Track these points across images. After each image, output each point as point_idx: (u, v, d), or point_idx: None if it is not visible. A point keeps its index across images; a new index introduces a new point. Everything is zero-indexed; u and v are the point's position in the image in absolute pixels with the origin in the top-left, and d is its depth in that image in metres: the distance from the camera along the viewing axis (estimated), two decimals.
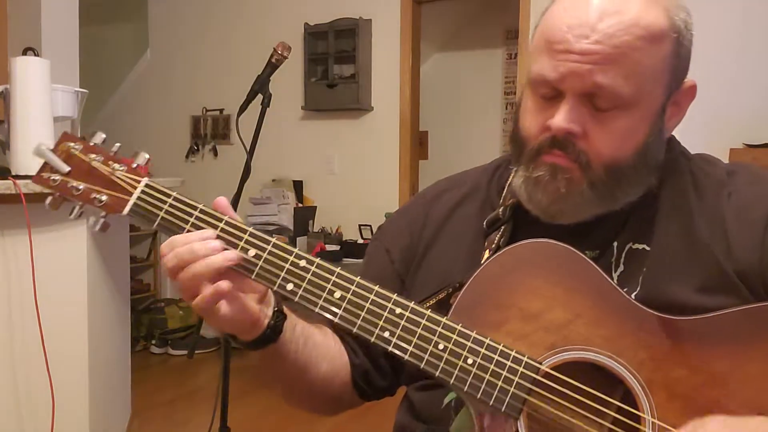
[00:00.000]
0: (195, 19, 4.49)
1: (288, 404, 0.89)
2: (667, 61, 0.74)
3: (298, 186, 4.09)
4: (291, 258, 0.71)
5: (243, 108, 1.93)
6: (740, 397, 0.67)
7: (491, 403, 0.68)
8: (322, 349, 0.84)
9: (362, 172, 3.99)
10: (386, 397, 0.96)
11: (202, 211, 0.72)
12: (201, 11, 4.46)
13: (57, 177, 0.73)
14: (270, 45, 1.99)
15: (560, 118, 0.73)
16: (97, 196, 0.72)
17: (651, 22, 0.72)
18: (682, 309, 0.71)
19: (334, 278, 0.70)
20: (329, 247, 3.65)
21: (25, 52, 2.04)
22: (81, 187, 0.73)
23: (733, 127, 2.85)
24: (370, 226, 3.68)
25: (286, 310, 0.77)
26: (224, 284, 0.67)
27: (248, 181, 1.95)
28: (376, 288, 0.71)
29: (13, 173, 1.91)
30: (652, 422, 0.67)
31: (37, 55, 2.05)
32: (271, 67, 1.96)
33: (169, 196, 0.72)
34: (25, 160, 1.94)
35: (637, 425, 0.68)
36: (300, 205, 4.03)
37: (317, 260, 0.71)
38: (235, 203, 1.98)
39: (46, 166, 0.74)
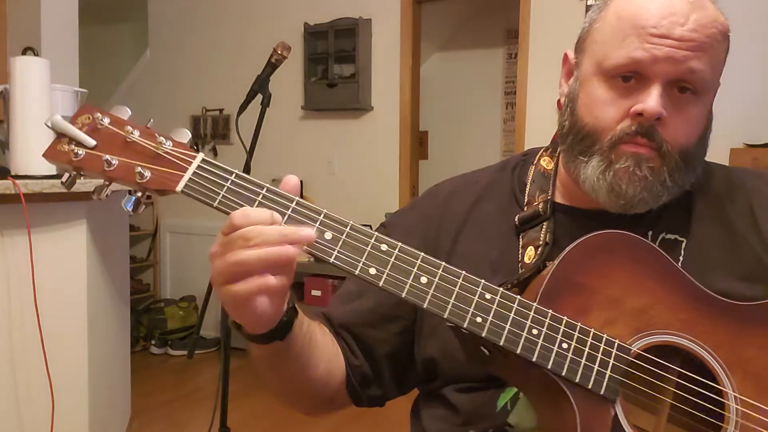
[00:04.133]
0: (195, 19, 4.48)
1: (281, 402, 0.86)
2: (725, 58, 0.80)
3: None
4: (371, 241, 0.66)
5: (243, 108, 1.93)
6: None
7: (590, 386, 0.68)
8: (320, 350, 0.81)
9: (362, 172, 3.99)
10: (375, 407, 0.92)
11: (269, 190, 0.66)
12: (201, 11, 4.46)
13: (81, 151, 0.65)
14: (270, 45, 1.99)
15: (654, 103, 0.73)
16: (141, 171, 0.65)
17: (723, 20, 0.77)
18: (725, 296, 0.74)
19: (419, 262, 0.67)
20: None
21: (24, 52, 2.04)
22: (115, 161, 0.65)
23: (733, 127, 2.85)
24: (370, 226, 3.67)
25: (297, 306, 0.73)
26: (276, 280, 0.62)
27: None
28: (463, 273, 0.68)
29: (13, 173, 1.91)
30: (735, 396, 0.71)
31: (37, 55, 2.05)
32: (271, 66, 1.96)
33: (231, 173, 0.66)
34: (25, 160, 1.94)
35: (722, 399, 0.71)
36: None
37: (399, 244, 0.67)
38: None
39: (63, 139, 0.66)
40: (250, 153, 1.95)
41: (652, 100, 0.73)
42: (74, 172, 0.67)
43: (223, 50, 4.36)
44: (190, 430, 3.00)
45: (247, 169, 1.93)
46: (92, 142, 0.65)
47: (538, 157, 0.90)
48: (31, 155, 1.94)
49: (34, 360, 1.91)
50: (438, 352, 0.84)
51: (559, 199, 0.87)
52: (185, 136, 0.67)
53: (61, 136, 0.66)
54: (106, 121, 0.66)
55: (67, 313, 2.08)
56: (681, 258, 0.80)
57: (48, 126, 0.65)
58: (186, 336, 4.19)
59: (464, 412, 0.82)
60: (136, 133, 0.66)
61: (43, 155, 0.66)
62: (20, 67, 1.96)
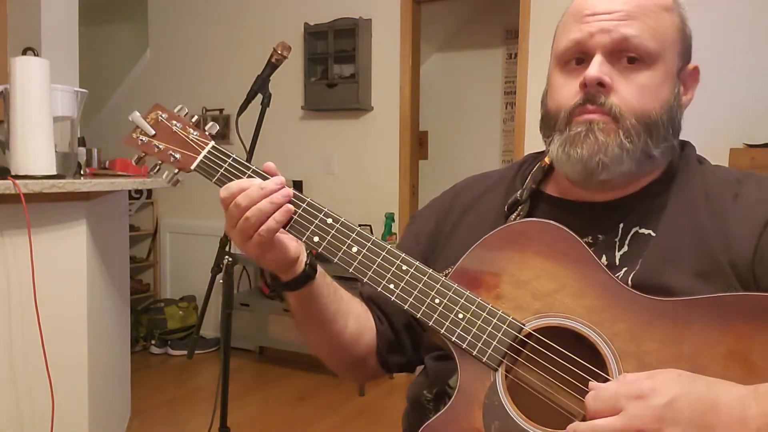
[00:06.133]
0: (195, 19, 4.49)
1: (318, 356, 0.98)
2: (678, 31, 0.84)
3: (297, 186, 4.09)
4: (320, 216, 0.83)
5: (243, 108, 1.93)
6: (705, 375, 0.70)
7: (474, 353, 0.77)
8: (349, 306, 0.95)
9: (362, 172, 3.99)
10: (405, 372, 1.03)
11: (254, 171, 0.85)
12: (201, 11, 4.46)
13: (144, 138, 0.88)
14: (270, 45, 1.99)
15: (592, 70, 0.80)
16: (173, 153, 0.87)
17: None
18: (672, 292, 0.76)
19: (353, 236, 0.82)
20: None
21: (24, 52, 2.04)
22: (161, 146, 0.87)
23: (733, 127, 2.85)
24: (370, 226, 3.68)
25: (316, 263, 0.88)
26: (281, 215, 0.80)
27: None
28: (388, 247, 0.82)
29: (13, 173, 1.91)
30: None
31: (37, 55, 2.05)
32: (271, 67, 1.96)
33: (228, 157, 0.86)
34: (25, 160, 1.94)
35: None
36: None
37: (342, 219, 0.83)
38: None
39: (137, 129, 0.88)
40: (250, 153, 1.95)
41: (590, 68, 0.80)
42: (143, 154, 0.89)
43: (224, 50, 4.36)
44: (190, 430, 3.00)
45: None
46: (152, 132, 0.88)
47: (547, 154, 0.96)
48: (30, 155, 1.94)
49: (34, 360, 1.91)
50: None
51: (550, 191, 0.93)
52: (214, 128, 0.88)
53: (135, 127, 0.88)
54: (164, 116, 0.89)
55: (67, 313, 2.09)
56: (646, 252, 0.81)
57: (130, 120, 0.89)
58: (186, 336, 4.19)
59: (430, 377, 0.91)
60: (179, 125, 0.88)
61: (123, 141, 0.90)
62: (20, 67, 1.96)
